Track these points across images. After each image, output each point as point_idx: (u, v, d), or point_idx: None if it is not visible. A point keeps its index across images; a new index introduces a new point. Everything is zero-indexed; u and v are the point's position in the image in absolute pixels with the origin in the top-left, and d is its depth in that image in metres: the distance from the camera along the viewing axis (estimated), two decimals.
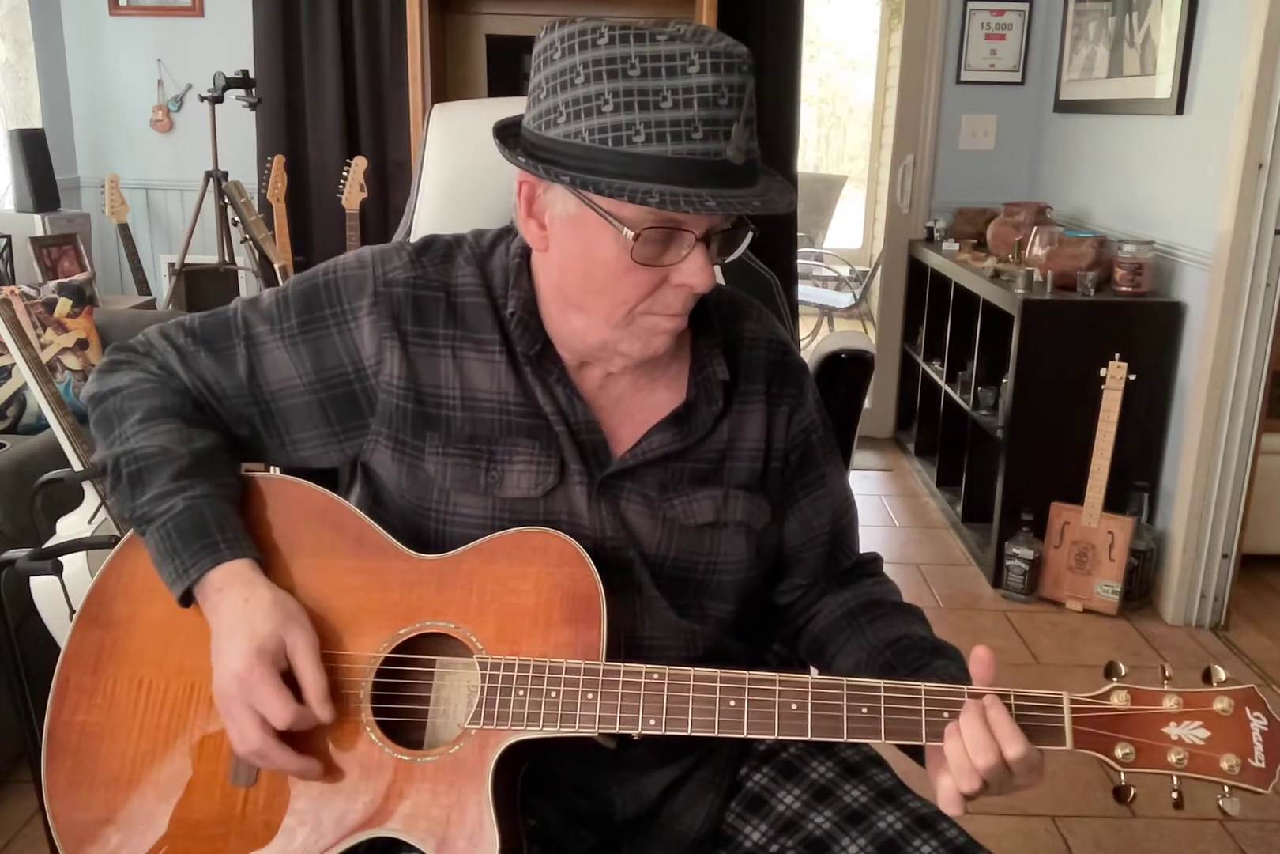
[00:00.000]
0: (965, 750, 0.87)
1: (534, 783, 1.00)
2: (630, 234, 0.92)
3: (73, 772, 0.98)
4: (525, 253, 1.07)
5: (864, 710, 0.90)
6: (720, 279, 1.51)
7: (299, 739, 0.95)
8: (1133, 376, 2.98)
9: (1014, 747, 0.86)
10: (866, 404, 1.47)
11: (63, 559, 1.57)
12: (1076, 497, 3.09)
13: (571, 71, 0.90)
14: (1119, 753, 0.88)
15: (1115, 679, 0.90)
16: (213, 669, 0.94)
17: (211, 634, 0.95)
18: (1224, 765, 0.86)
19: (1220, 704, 0.88)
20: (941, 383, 3.95)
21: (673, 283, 0.96)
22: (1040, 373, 3.13)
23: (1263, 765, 0.86)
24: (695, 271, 0.94)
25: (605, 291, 0.97)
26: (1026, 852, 2.12)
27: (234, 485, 1.03)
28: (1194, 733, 0.88)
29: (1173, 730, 0.88)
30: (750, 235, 0.98)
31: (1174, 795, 0.88)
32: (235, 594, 0.94)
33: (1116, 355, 3.00)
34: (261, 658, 0.91)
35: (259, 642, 0.92)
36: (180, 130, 4.26)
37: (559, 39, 0.92)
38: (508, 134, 0.99)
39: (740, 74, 0.89)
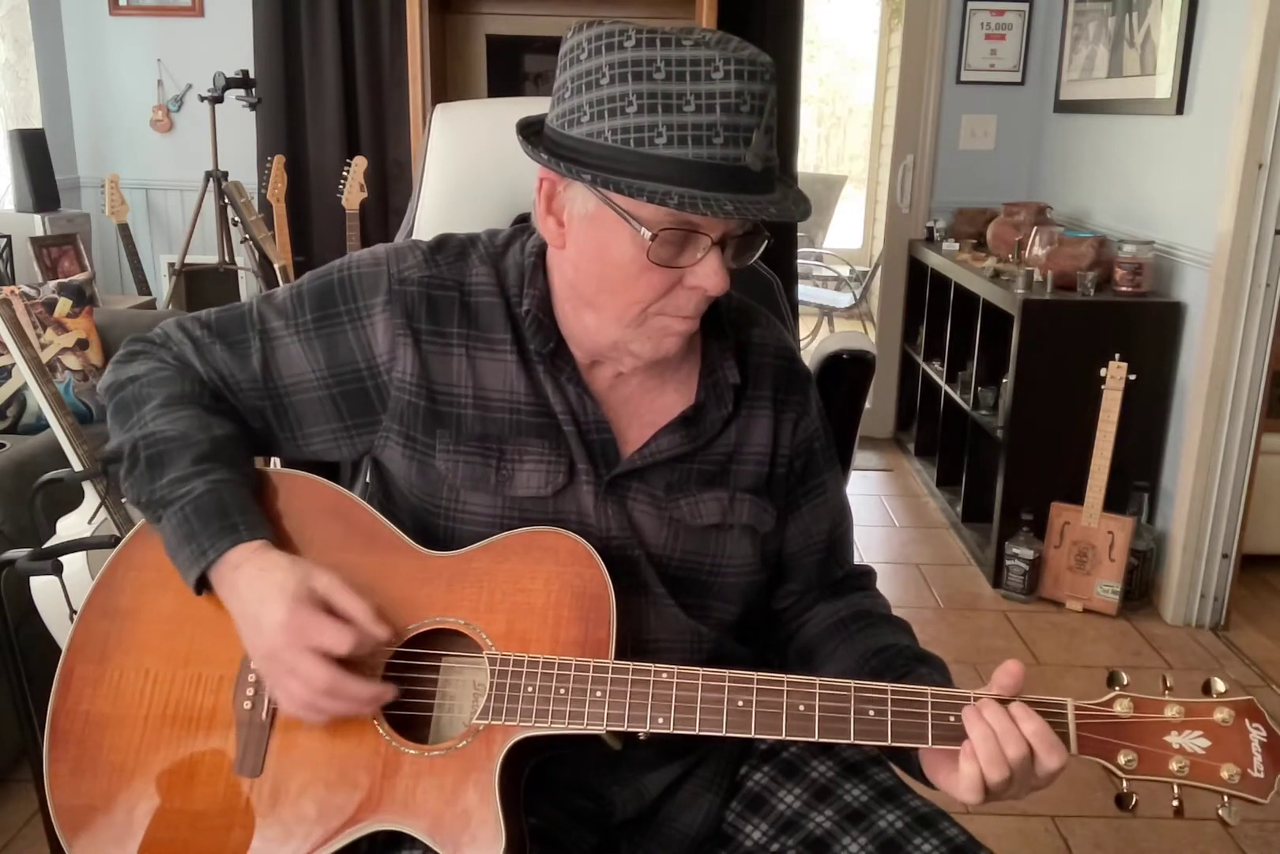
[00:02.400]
0: (997, 742, 0.88)
1: (534, 782, 1.00)
2: (648, 234, 0.93)
3: (75, 760, 0.98)
4: (540, 251, 1.07)
5: (871, 713, 0.91)
6: None
7: (306, 732, 0.96)
8: (1133, 376, 2.98)
9: (1054, 758, 0.88)
10: (867, 404, 1.47)
11: (63, 559, 1.57)
12: (1076, 497, 3.09)
13: (597, 72, 0.91)
14: (1122, 760, 0.89)
15: (1118, 688, 0.92)
16: (227, 661, 0.94)
17: (234, 612, 0.95)
18: (1224, 775, 0.88)
19: (1220, 715, 0.89)
20: (941, 383, 3.95)
21: (686, 285, 0.96)
22: (1040, 373, 3.13)
23: (1262, 776, 0.87)
24: (709, 275, 0.95)
25: (619, 291, 0.98)
26: (1026, 852, 2.12)
27: (252, 474, 1.04)
28: (1195, 742, 0.89)
29: (1174, 739, 0.89)
30: (766, 242, 0.99)
31: (1175, 804, 0.89)
32: (251, 566, 0.95)
33: (1116, 355, 3.00)
34: (300, 603, 0.92)
35: (290, 593, 0.92)
36: (180, 130, 4.27)
37: (586, 40, 0.92)
38: (531, 132, 1.00)
39: (763, 82, 0.90)
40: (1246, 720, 0.89)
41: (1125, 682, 0.92)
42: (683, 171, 0.90)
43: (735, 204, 0.90)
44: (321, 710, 0.93)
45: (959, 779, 0.90)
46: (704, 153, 0.89)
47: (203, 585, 0.97)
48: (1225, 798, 0.88)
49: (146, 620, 1.01)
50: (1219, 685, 0.90)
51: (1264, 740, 0.88)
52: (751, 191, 0.92)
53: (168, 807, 0.96)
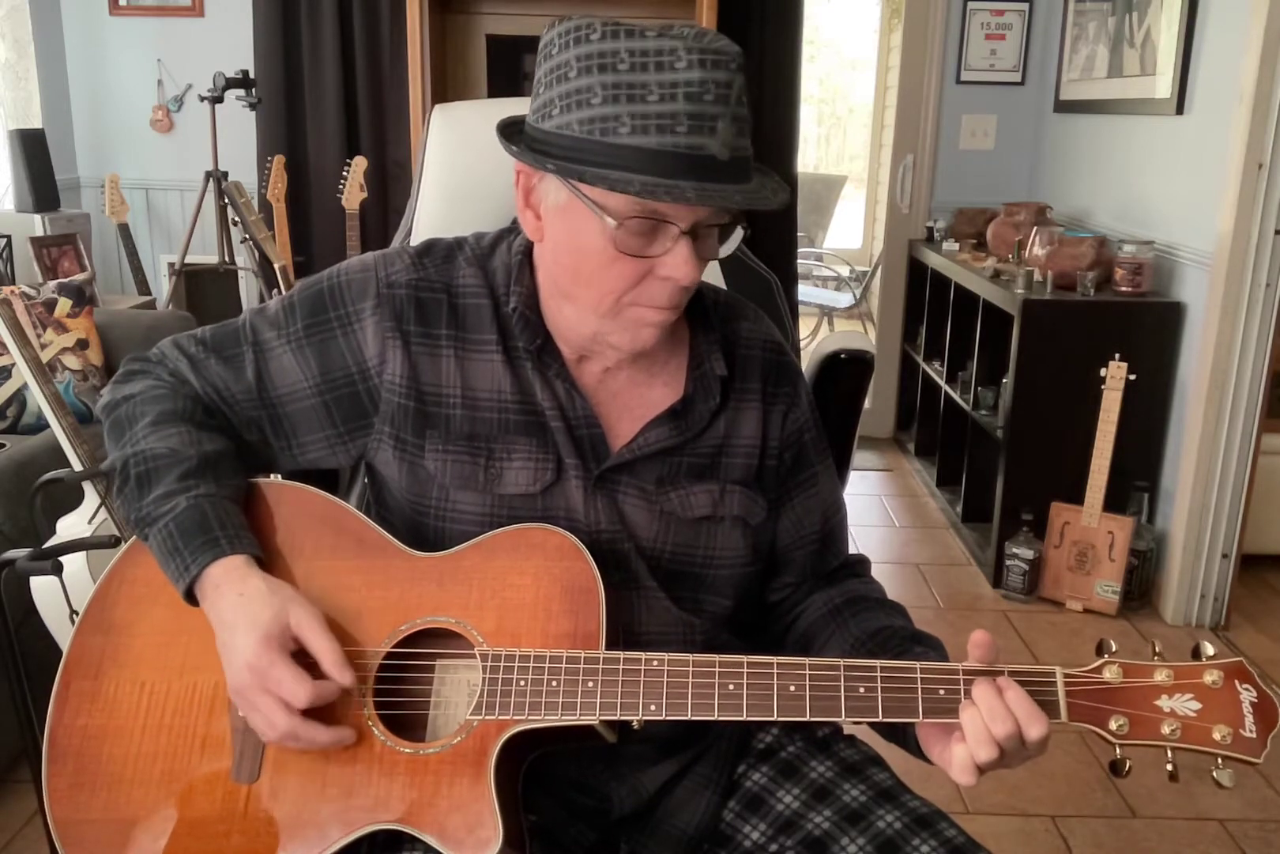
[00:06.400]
0: (983, 721, 0.88)
1: (533, 779, 1.01)
2: (613, 223, 0.94)
3: (74, 774, 0.98)
4: (526, 250, 1.08)
5: (861, 690, 0.92)
6: (721, 281, 1.52)
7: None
8: (1133, 376, 2.98)
9: (1036, 727, 0.88)
10: (866, 404, 1.48)
11: (63, 559, 1.57)
12: (1076, 497, 3.09)
13: (565, 66, 0.93)
14: (1113, 725, 0.89)
15: (1106, 655, 0.92)
16: (222, 669, 0.95)
17: (216, 631, 0.96)
18: (1216, 736, 0.88)
19: (1210, 677, 0.89)
20: (941, 383, 3.95)
21: (658, 275, 0.97)
22: (1040, 373, 3.13)
23: (1254, 736, 0.88)
24: (679, 265, 0.95)
25: (593, 281, 0.99)
26: (1026, 852, 2.12)
27: (240, 487, 1.04)
28: (1186, 705, 0.89)
29: (1165, 703, 0.89)
30: (742, 233, 0.99)
31: (1169, 768, 0.89)
32: (230, 589, 0.95)
33: (1116, 355, 3.00)
34: (269, 644, 0.92)
35: (262, 630, 0.93)
36: (180, 130, 4.27)
37: (557, 35, 0.94)
38: (513, 130, 1.02)
39: (728, 71, 0.91)
40: (1236, 682, 0.89)
41: (1114, 649, 0.92)
42: (646, 160, 0.91)
43: (698, 191, 0.90)
44: (285, 744, 0.94)
45: (951, 761, 0.91)
46: (669, 141, 0.90)
47: (193, 597, 0.98)
48: (1219, 760, 0.88)
49: (141, 634, 1.01)
50: (1208, 649, 0.91)
51: (1254, 701, 0.89)
52: (720, 180, 0.92)
53: (167, 816, 0.97)
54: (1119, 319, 3.07)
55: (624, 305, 0.99)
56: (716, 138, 0.91)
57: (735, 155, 0.93)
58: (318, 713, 0.94)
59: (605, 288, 0.98)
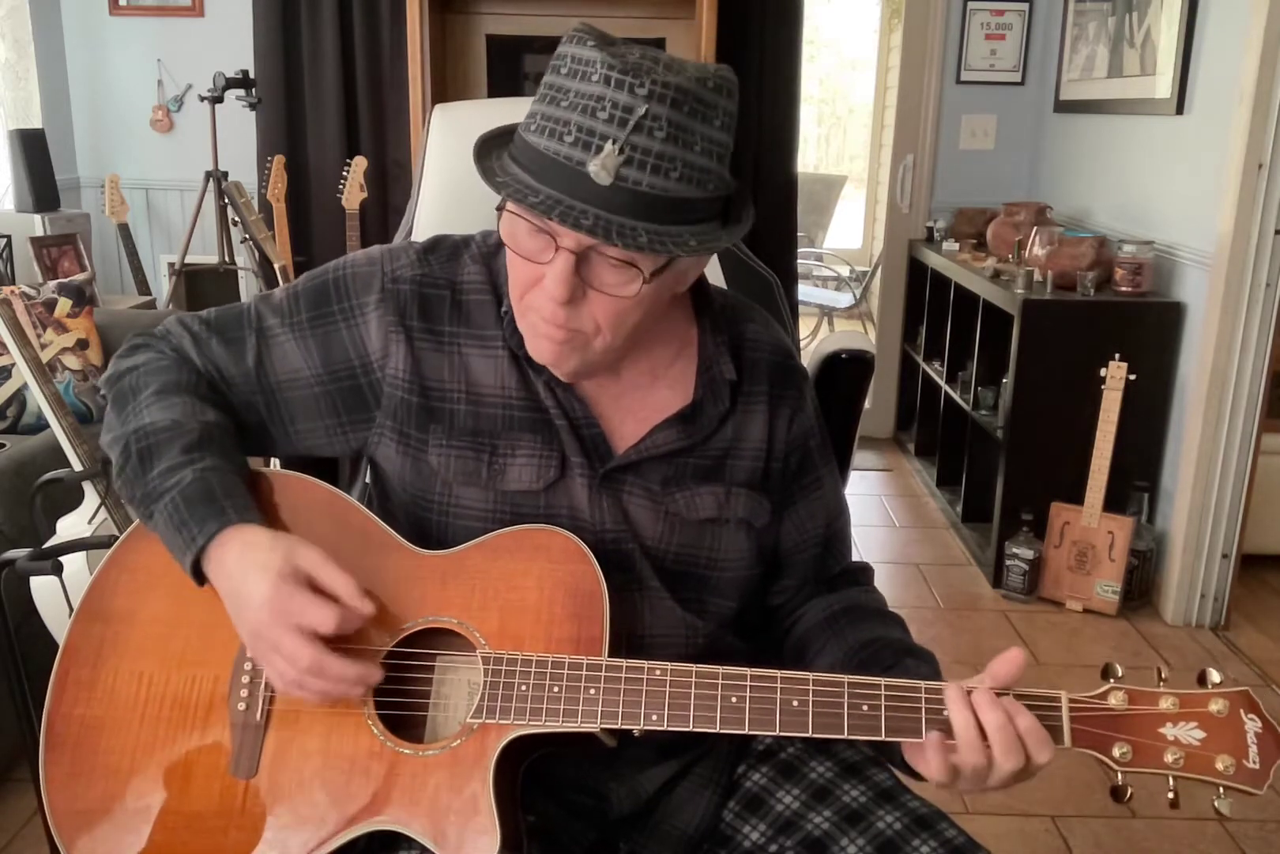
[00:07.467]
0: (977, 729, 0.89)
1: (532, 779, 1.01)
2: (498, 212, 0.96)
3: (72, 764, 0.98)
4: None
5: (864, 708, 0.91)
6: (721, 281, 1.52)
7: (302, 733, 0.96)
8: (1133, 376, 2.98)
9: (1043, 753, 0.88)
10: (866, 404, 1.47)
11: (63, 559, 1.57)
12: (1076, 497, 3.09)
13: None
14: (1116, 752, 0.89)
15: (1112, 680, 0.91)
16: (222, 663, 0.94)
17: (223, 591, 0.95)
18: (1219, 766, 0.87)
19: (1215, 706, 0.89)
20: (941, 383, 3.95)
21: (543, 285, 0.96)
22: (1040, 373, 3.13)
23: (1257, 767, 0.87)
24: (551, 278, 0.94)
25: (510, 271, 1.01)
26: (1026, 852, 2.12)
27: (243, 464, 1.04)
28: (1190, 734, 0.89)
29: (1169, 731, 0.89)
30: (641, 279, 0.94)
31: (1170, 796, 0.89)
32: (236, 544, 0.94)
33: (1116, 355, 3.00)
34: (284, 579, 0.91)
35: (274, 571, 0.91)
36: (180, 130, 4.27)
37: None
38: None
39: (632, 95, 0.88)
40: (1241, 711, 0.89)
41: (1120, 674, 0.92)
42: (528, 159, 0.93)
43: (549, 200, 0.90)
44: (308, 689, 0.92)
45: (926, 762, 0.91)
46: (551, 146, 0.91)
47: (201, 577, 0.97)
48: (1221, 789, 0.88)
49: (140, 623, 1.01)
50: (1214, 676, 0.91)
51: (1259, 731, 0.88)
52: (588, 201, 0.89)
53: (164, 809, 0.97)
54: (1119, 319, 3.07)
55: (526, 306, 0.99)
56: (598, 158, 0.89)
57: (621, 185, 0.89)
58: (316, 714, 0.94)
59: (513, 280, 1.00)
